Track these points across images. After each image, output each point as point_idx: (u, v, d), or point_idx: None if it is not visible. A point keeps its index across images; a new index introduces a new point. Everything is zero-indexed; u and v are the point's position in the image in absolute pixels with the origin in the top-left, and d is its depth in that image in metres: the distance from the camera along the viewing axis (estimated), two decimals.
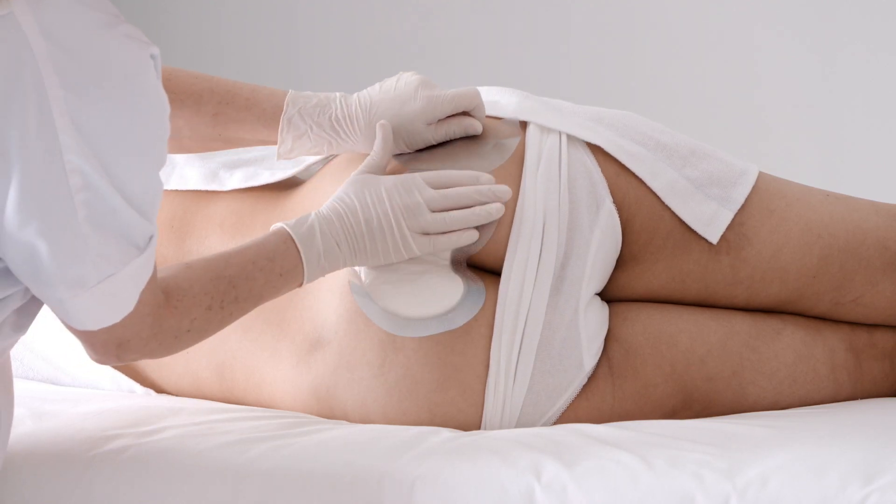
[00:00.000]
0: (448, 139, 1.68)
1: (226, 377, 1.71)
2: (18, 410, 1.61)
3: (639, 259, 1.68)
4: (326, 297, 1.64)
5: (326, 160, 1.78)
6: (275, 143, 1.70)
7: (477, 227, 1.61)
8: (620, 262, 1.68)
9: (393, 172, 1.65)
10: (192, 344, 1.47)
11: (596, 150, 1.68)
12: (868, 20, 3.55)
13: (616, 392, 1.63)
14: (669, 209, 1.67)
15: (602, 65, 3.79)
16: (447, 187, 1.60)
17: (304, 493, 1.45)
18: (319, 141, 1.68)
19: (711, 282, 1.69)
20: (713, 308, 1.70)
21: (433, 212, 1.58)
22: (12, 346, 1.45)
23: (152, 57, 1.31)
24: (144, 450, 1.51)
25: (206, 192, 1.78)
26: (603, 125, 1.70)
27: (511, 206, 1.63)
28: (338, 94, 1.69)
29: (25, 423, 1.59)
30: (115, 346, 1.40)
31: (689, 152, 1.70)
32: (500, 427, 1.61)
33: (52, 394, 1.74)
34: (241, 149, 1.83)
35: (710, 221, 1.67)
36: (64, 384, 1.81)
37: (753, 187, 1.69)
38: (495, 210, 1.60)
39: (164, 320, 1.42)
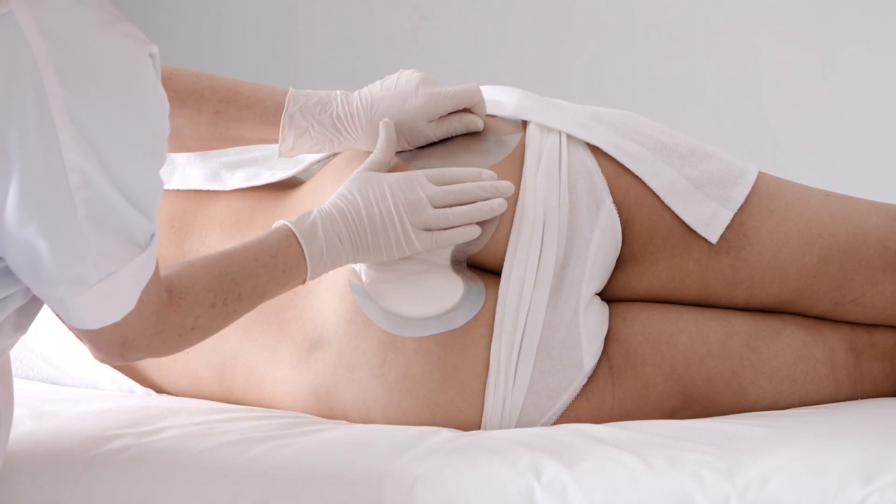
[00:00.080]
0: (449, 136, 1.68)
1: (226, 377, 1.71)
2: (18, 410, 1.61)
3: (639, 259, 1.68)
4: (326, 297, 1.64)
5: (326, 160, 1.78)
6: (276, 141, 1.70)
7: (478, 224, 1.61)
8: (620, 262, 1.68)
9: (395, 169, 1.65)
10: (197, 342, 1.47)
11: (596, 149, 1.68)
12: (868, 20, 3.55)
13: (616, 392, 1.63)
14: (669, 209, 1.67)
15: (602, 65, 3.79)
16: (449, 184, 1.60)
17: (304, 493, 1.45)
18: (321, 139, 1.69)
19: (711, 282, 1.69)
20: (713, 308, 1.70)
21: (435, 208, 1.58)
22: (12, 346, 1.45)
23: (151, 55, 1.31)
24: (144, 450, 1.51)
25: (207, 192, 1.78)
26: (602, 124, 1.70)
27: (511, 205, 1.63)
28: (338, 91, 1.70)
29: (25, 423, 1.59)
30: (119, 346, 1.40)
31: (688, 152, 1.70)
32: (500, 427, 1.61)
33: (52, 394, 1.74)
34: (242, 149, 1.83)
35: (710, 221, 1.67)
36: (64, 384, 1.81)
37: (753, 187, 1.69)
38: (497, 205, 1.60)
39: (168, 318, 1.42)
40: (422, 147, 1.69)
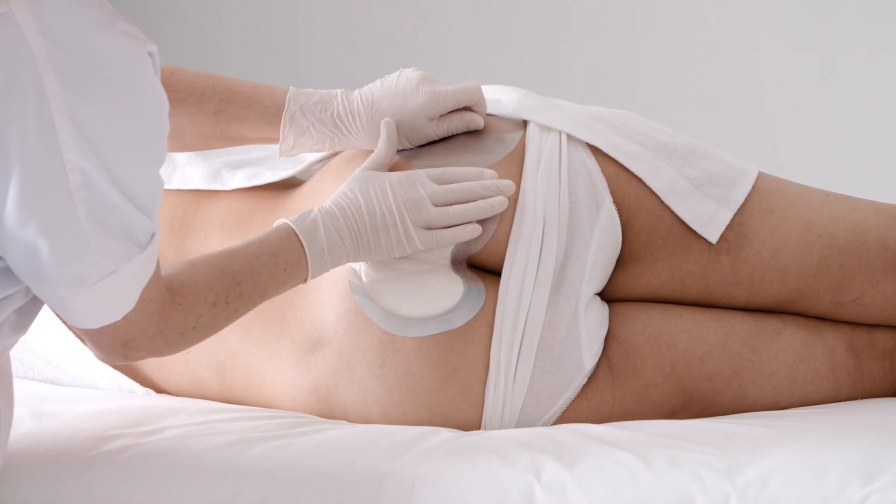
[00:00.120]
0: (450, 134, 1.68)
1: (226, 377, 1.71)
2: (18, 410, 1.61)
3: (639, 259, 1.68)
4: (326, 297, 1.64)
5: (326, 160, 1.78)
6: (276, 140, 1.70)
7: (479, 223, 1.61)
8: (620, 262, 1.68)
9: (395, 168, 1.65)
10: (199, 341, 1.47)
11: (596, 149, 1.68)
12: (868, 20, 3.55)
13: (616, 392, 1.63)
14: (669, 209, 1.67)
15: (602, 65, 3.79)
16: (450, 183, 1.60)
17: (304, 493, 1.45)
18: (321, 138, 1.69)
19: (711, 282, 1.69)
20: (713, 308, 1.70)
21: (436, 206, 1.58)
22: (12, 346, 1.45)
23: (150, 54, 1.31)
24: (144, 450, 1.51)
25: (206, 192, 1.78)
26: (602, 124, 1.70)
27: (511, 205, 1.63)
28: (339, 90, 1.70)
29: (25, 423, 1.59)
30: (121, 345, 1.40)
31: (688, 152, 1.70)
32: (500, 427, 1.61)
33: (52, 394, 1.74)
34: (243, 149, 1.83)
35: (710, 221, 1.67)
36: (64, 384, 1.81)
37: (753, 187, 1.69)
38: (499, 203, 1.60)
39: (170, 317, 1.42)
40: (422, 145, 1.69)
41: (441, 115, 1.67)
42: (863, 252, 1.70)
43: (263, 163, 1.81)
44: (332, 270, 1.62)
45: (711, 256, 1.68)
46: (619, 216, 1.66)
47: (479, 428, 1.61)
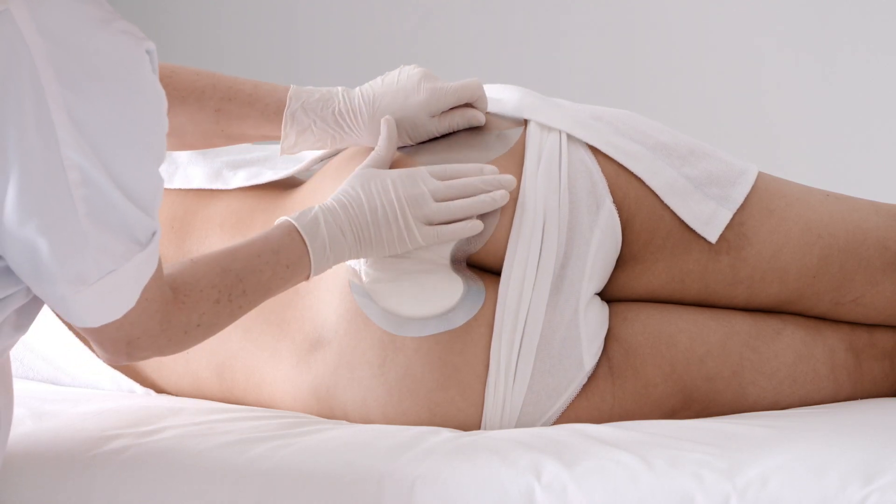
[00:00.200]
0: (451, 131, 1.68)
1: (226, 377, 1.71)
2: (18, 410, 1.61)
3: (639, 259, 1.68)
4: (326, 296, 1.64)
5: (326, 160, 1.78)
6: (277, 138, 1.70)
7: (480, 218, 1.61)
8: (620, 262, 1.68)
9: (396, 165, 1.65)
10: (202, 339, 1.47)
11: (596, 149, 1.68)
12: (868, 20, 3.55)
13: (616, 392, 1.63)
14: (669, 209, 1.67)
15: (602, 65, 3.79)
16: (452, 179, 1.60)
17: (304, 493, 1.45)
18: (323, 135, 1.69)
19: (711, 281, 1.69)
20: (713, 308, 1.70)
21: (438, 202, 1.58)
22: (12, 345, 1.45)
23: (148, 52, 1.31)
24: (144, 450, 1.51)
25: (207, 192, 1.78)
26: (603, 123, 1.70)
27: (511, 205, 1.63)
28: (339, 88, 1.70)
29: (25, 423, 1.59)
30: (124, 345, 1.40)
31: (688, 151, 1.70)
32: (500, 427, 1.61)
33: (52, 394, 1.74)
34: (244, 148, 1.83)
35: (709, 221, 1.67)
36: (64, 384, 1.81)
37: (753, 187, 1.69)
38: (500, 197, 1.60)
39: (173, 316, 1.42)
40: (423, 142, 1.69)
41: (442, 112, 1.67)
42: (863, 252, 1.70)
43: (265, 162, 1.81)
44: (331, 270, 1.62)
45: (711, 256, 1.68)
46: (619, 216, 1.66)
47: (479, 427, 1.61)
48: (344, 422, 1.63)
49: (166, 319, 1.41)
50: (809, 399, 1.69)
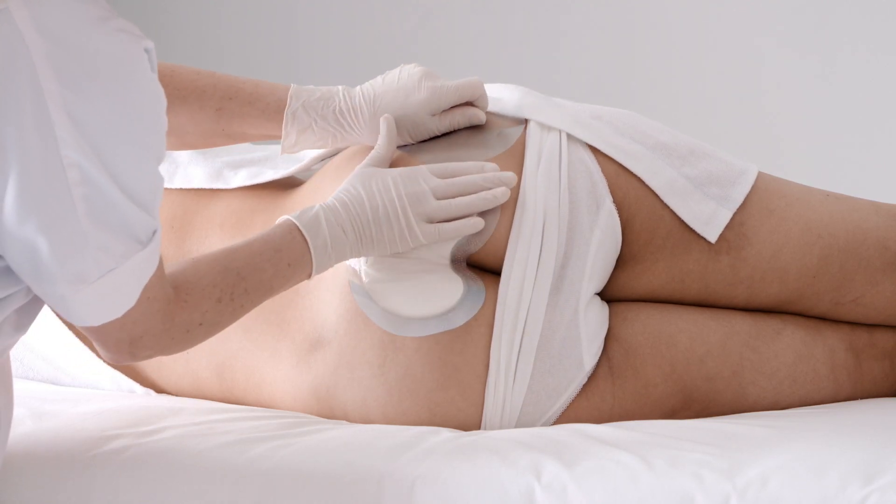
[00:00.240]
0: (452, 129, 1.68)
1: (226, 377, 1.71)
2: (18, 410, 1.61)
3: (639, 259, 1.68)
4: (326, 296, 1.64)
5: (326, 160, 1.78)
6: (278, 137, 1.70)
7: (481, 215, 1.61)
8: (620, 262, 1.68)
9: (397, 163, 1.65)
10: (205, 338, 1.47)
11: (596, 149, 1.68)
12: (868, 20, 3.55)
13: (616, 392, 1.63)
14: (669, 209, 1.67)
15: (602, 65, 3.79)
16: (453, 177, 1.60)
17: (304, 493, 1.45)
18: (324, 134, 1.69)
19: (711, 281, 1.69)
20: (713, 308, 1.70)
21: (439, 200, 1.58)
22: (13, 345, 1.45)
23: (146, 51, 1.31)
24: (144, 450, 1.51)
25: (207, 192, 1.78)
26: (602, 122, 1.70)
27: (511, 205, 1.63)
28: (340, 87, 1.70)
29: (25, 423, 1.59)
30: (127, 344, 1.40)
31: (688, 151, 1.70)
32: (500, 427, 1.61)
33: (52, 394, 1.74)
34: (245, 149, 1.83)
35: (709, 220, 1.67)
36: (64, 384, 1.81)
37: (753, 187, 1.69)
38: (501, 193, 1.60)
39: (176, 315, 1.42)
40: (424, 141, 1.69)
41: (443, 111, 1.67)
42: (863, 252, 1.70)
43: (265, 162, 1.81)
44: (331, 270, 1.62)
45: (711, 256, 1.68)
46: (619, 216, 1.66)
47: (479, 427, 1.61)
48: (344, 422, 1.63)
49: (169, 318, 1.41)
50: (809, 399, 1.69)
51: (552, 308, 1.62)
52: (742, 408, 1.67)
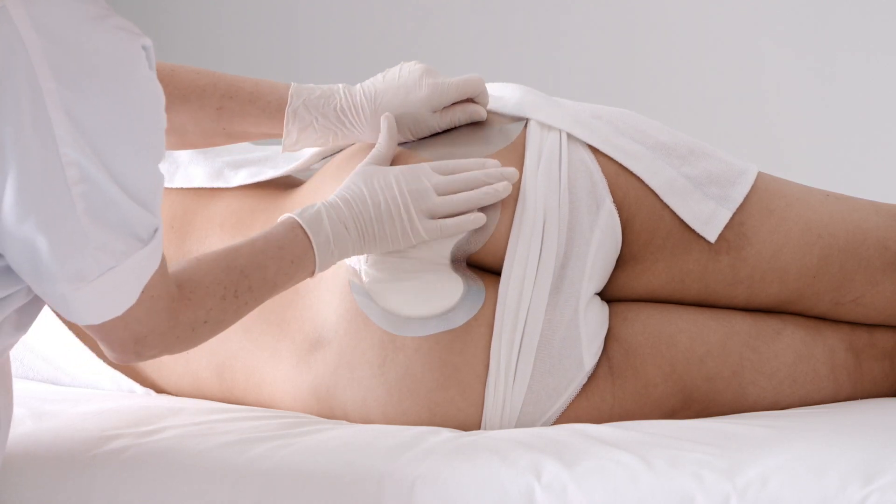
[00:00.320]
0: (453, 126, 1.69)
1: (226, 377, 1.71)
2: (18, 410, 1.61)
3: (639, 259, 1.68)
4: (326, 296, 1.64)
5: (327, 159, 1.78)
6: (279, 136, 1.70)
7: (482, 210, 1.61)
8: (620, 262, 1.68)
9: (398, 160, 1.66)
10: (210, 336, 1.47)
11: (596, 149, 1.68)
12: (868, 21, 3.55)
13: (616, 392, 1.63)
14: (669, 209, 1.67)
15: (602, 65, 3.79)
16: (454, 174, 1.60)
17: (304, 493, 1.45)
18: (325, 132, 1.69)
19: (711, 281, 1.68)
20: (713, 308, 1.70)
21: (440, 196, 1.59)
22: (13, 345, 1.45)
23: (144, 48, 1.31)
24: (144, 450, 1.51)
25: (207, 192, 1.78)
26: (602, 122, 1.70)
27: (511, 205, 1.63)
28: (340, 85, 1.70)
29: (25, 423, 1.59)
30: (132, 343, 1.39)
31: (687, 151, 1.70)
32: (500, 426, 1.61)
33: (52, 394, 1.74)
34: (245, 149, 1.83)
35: (709, 220, 1.67)
36: (64, 384, 1.81)
37: (753, 187, 1.69)
38: (503, 188, 1.60)
39: (180, 313, 1.42)
40: (424, 138, 1.69)
41: (444, 108, 1.68)
42: (863, 252, 1.70)
43: (266, 162, 1.81)
44: (331, 270, 1.62)
45: (711, 256, 1.68)
46: (619, 216, 1.66)
47: (479, 427, 1.61)
48: (344, 422, 1.63)
49: (173, 317, 1.41)
50: (809, 399, 1.69)
51: (552, 308, 1.62)
52: (742, 408, 1.67)
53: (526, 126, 1.68)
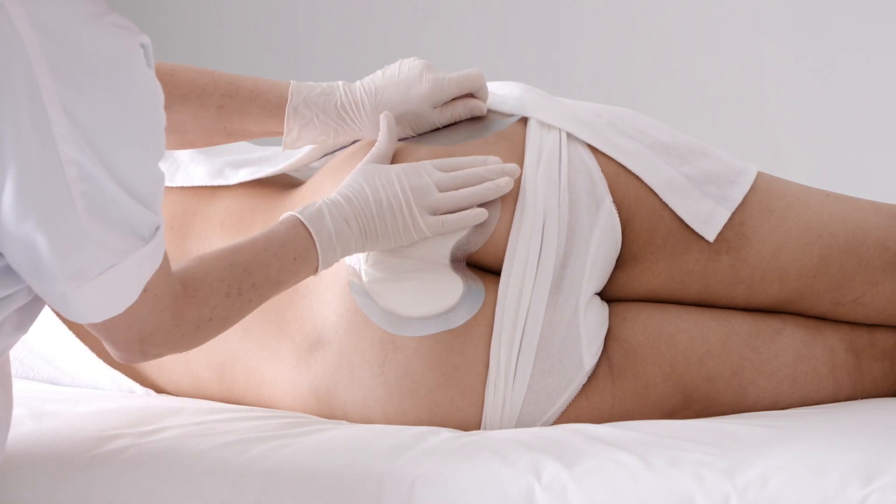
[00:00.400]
0: (453, 121, 1.69)
1: (226, 377, 1.71)
2: (18, 410, 1.61)
3: (639, 258, 1.68)
4: (326, 296, 1.64)
5: (327, 159, 1.78)
6: (279, 133, 1.70)
7: (482, 206, 1.61)
8: (620, 262, 1.68)
9: (399, 155, 1.66)
10: (215, 334, 1.46)
11: (596, 148, 1.68)
12: (868, 21, 3.55)
13: (616, 392, 1.63)
14: (669, 208, 1.67)
15: (602, 65, 3.79)
16: (455, 170, 1.61)
17: (304, 493, 1.45)
18: (325, 129, 1.69)
19: (711, 281, 1.68)
20: (713, 308, 1.70)
21: (442, 192, 1.59)
22: (13, 345, 1.45)
23: (142, 46, 1.31)
24: (144, 450, 1.51)
25: (207, 192, 1.78)
26: (602, 121, 1.70)
27: (511, 204, 1.63)
28: (340, 82, 1.70)
29: (25, 423, 1.59)
30: (137, 342, 1.39)
31: (687, 151, 1.70)
32: (500, 426, 1.61)
33: (52, 394, 1.74)
34: (245, 149, 1.83)
35: (708, 219, 1.67)
36: (64, 384, 1.81)
37: (753, 187, 1.69)
38: (504, 183, 1.60)
39: (185, 311, 1.42)
40: (425, 133, 1.70)
41: (444, 103, 1.68)
42: (863, 252, 1.70)
43: (266, 162, 1.81)
44: (331, 270, 1.62)
45: (711, 256, 1.68)
46: (619, 216, 1.66)
47: (478, 427, 1.61)
48: (344, 422, 1.63)
49: (178, 315, 1.41)
50: (809, 399, 1.69)
51: (552, 308, 1.62)
52: (742, 408, 1.67)
53: (526, 126, 1.68)
